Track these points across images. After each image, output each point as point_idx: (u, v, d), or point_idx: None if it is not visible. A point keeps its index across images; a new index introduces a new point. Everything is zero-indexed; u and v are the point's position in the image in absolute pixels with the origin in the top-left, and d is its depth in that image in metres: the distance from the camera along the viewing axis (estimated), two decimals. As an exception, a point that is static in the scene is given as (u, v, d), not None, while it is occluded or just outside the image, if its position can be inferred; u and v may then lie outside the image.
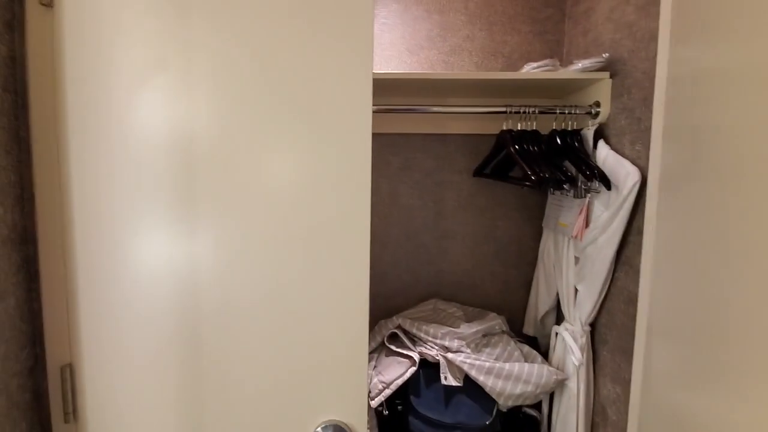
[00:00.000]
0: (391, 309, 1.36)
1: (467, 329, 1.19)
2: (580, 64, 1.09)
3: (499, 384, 1.08)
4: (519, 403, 1.12)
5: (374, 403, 1.08)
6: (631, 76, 1.01)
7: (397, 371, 1.11)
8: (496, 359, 1.12)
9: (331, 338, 0.73)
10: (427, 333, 1.17)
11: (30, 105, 0.69)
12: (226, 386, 0.73)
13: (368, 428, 1.10)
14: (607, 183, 1.03)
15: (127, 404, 0.74)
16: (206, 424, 0.74)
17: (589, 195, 1.10)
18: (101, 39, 0.67)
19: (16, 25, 0.68)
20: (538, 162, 1.11)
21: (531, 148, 1.14)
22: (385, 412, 1.12)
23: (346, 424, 0.74)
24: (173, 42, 0.67)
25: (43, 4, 0.67)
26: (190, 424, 0.74)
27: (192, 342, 0.72)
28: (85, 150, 0.69)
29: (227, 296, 0.72)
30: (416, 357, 1.12)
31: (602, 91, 1.09)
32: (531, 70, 1.15)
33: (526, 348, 1.22)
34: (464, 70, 1.34)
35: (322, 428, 0.73)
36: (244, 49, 0.68)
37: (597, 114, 1.11)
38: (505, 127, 1.16)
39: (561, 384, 1.16)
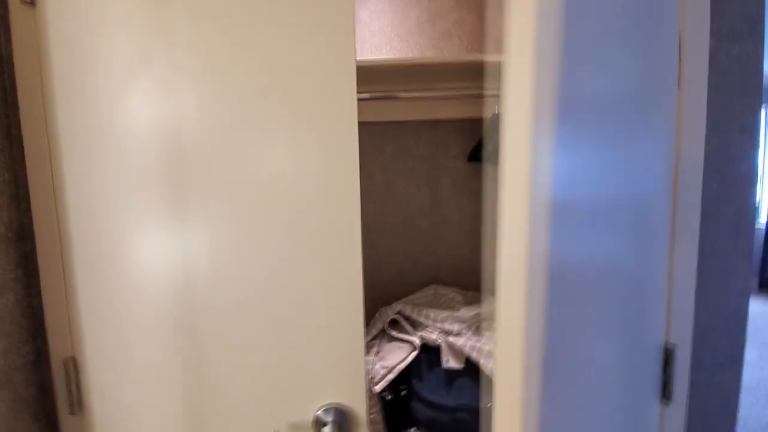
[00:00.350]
0: (390, 296, 1.37)
1: (467, 312, 1.19)
2: (570, 43, 1.08)
3: (500, 365, 1.08)
4: (521, 383, 1.13)
5: (377, 389, 1.09)
6: (621, 52, 1.00)
7: (398, 356, 1.12)
8: (496, 341, 1.13)
9: (327, 324, 0.73)
10: (427, 317, 1.18)
11: (19, 103, 0.69)
12: (225, 374, 0.74)
13: (373, 414, 1.11)
14: (600, 161, 1.02)
15: (130, 394, 0.75)
16: (208, 411, 0.75)
17: (583, 174, 1.10)
18: (85, 35, 0.68)
19: (0, 24, 0.68)
20: (532, 143, 1.10)
21: (524, 130, 1.13)
22: (389, 397, 1.13)
23: (345, 406, 0.75)
24: (156, 34, 0.68)
25: (26, 3, 0.67)
26: (192, 412, 0.75)
27: (190, 333, 0.73)
28: (77, 146, 0.70)
29: (222, 287, 0.73)
30: (417, 341, 1.13)
31: (593, 69, 1.09)
32: (521, 51, 1.14)
33: (527, 330, 1.23)
34: (454, 54, 1.34)
35: (323, 411, 0.74)
36: (226, 40, 0.68)
37: (589, 92, 1.10)
38: (496, 111, 1.16)
39: (562, 364, 1.16)
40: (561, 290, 0.62)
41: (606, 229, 0.72)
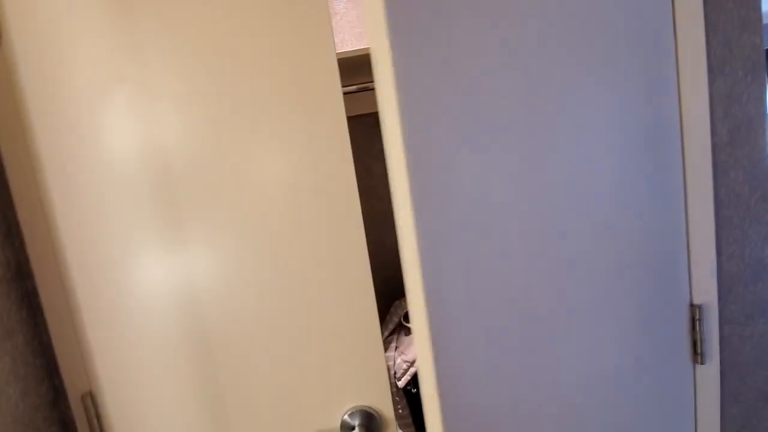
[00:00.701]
0: (403, 289, 1.35)
1: (483, 296, 1.17)
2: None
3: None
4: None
5: (401, 383, 1.07)
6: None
7: (419, 348, 1.10)
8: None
9: (341, 326, 0.72)
10: (443, 306, 1.16)
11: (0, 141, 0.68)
12: (246, 389, 0.73)
13: (399, 409, 1.10)
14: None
15: (153, 421, 0.74)
16: (233, 429, 0.74)
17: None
18: (57, 64, 0.66)
19: (-32, 62, 0.67)
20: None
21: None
22: (414, 390, 1.11)
23: (371, 407, 0.73)
24: (129, 53, 0.66)
25: (-10, 37, 0.65)
26: (216, 431, 0.74)
27: (205, 351, 0.72)
28: (64, 176, 0.68)
29: (231, 302, 0.71)
30: (436, 331, 1.11)
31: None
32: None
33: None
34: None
35: (349, 415, 0.73)
36: (201, 51, 0.66)
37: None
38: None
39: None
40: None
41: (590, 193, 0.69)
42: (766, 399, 0.77)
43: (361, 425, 0.71)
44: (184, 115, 0.67)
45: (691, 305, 0.75)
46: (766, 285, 0.74)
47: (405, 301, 1.25)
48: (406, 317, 1.21)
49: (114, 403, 0.73)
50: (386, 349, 1.17)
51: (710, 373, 0.75)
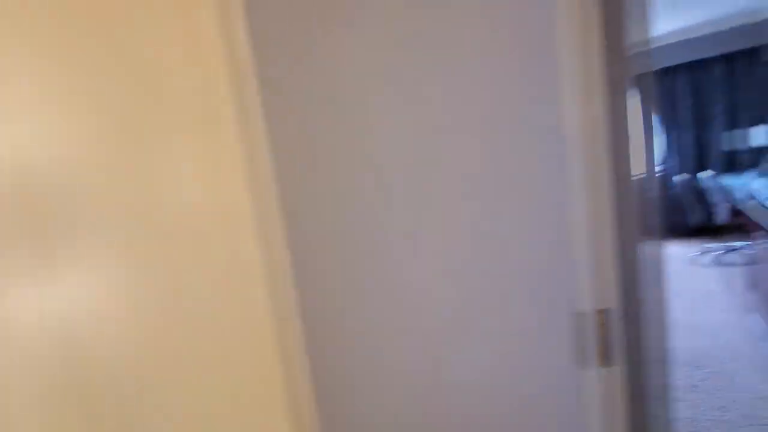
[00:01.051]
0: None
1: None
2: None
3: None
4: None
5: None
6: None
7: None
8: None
9: (248, 366, 0.65)
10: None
11: None
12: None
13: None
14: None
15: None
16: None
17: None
18: None
19: None
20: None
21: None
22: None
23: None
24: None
25: None
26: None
27: (87, 405, 0.62)
28: None
29: (119, 344, 0.61)
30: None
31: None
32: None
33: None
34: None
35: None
36: (63, 47, 0.57)
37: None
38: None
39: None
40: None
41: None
42: (665, 397, 0.81)
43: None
44: (45, 129, 0.58)
45: (590, 311, 0.78)
46: (652, 288, 0.80)
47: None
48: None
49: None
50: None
51: (614, 376, 0.78)
